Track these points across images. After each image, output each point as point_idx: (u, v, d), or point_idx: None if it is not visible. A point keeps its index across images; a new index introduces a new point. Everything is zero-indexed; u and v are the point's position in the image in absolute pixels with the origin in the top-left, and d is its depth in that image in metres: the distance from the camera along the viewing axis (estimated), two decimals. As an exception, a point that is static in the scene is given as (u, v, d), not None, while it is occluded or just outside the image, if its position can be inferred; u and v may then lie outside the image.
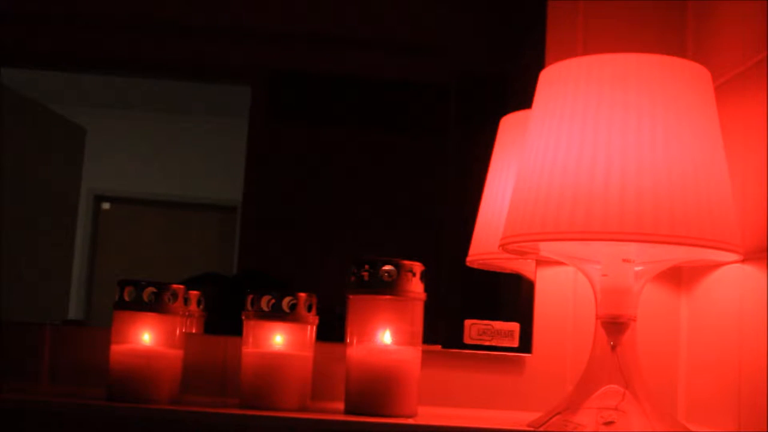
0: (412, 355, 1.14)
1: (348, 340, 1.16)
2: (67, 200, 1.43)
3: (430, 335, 1.20)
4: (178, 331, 1.19)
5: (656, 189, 1.02)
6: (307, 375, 1.18)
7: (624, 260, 1.12)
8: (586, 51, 1.37)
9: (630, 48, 1.27)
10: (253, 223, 1.42)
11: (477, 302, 1.37)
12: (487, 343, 1.32)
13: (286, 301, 1.17)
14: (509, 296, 1.39)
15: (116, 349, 1.16)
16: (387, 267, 1.14)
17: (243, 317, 1.18)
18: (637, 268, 1.13)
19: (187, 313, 1.23)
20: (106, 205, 1.45)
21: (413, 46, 1.45)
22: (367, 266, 1.14)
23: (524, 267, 1.36)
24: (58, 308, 1.42)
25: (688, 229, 1.02)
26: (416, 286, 1.15)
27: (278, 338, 1.17)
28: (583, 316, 1.34)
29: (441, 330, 1.32)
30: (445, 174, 1.42)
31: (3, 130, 1.39)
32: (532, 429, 1.11)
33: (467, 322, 1.31)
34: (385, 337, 1.14)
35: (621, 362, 1.11)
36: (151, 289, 1.17)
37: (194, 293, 1.32)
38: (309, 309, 1.18)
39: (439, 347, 1.32)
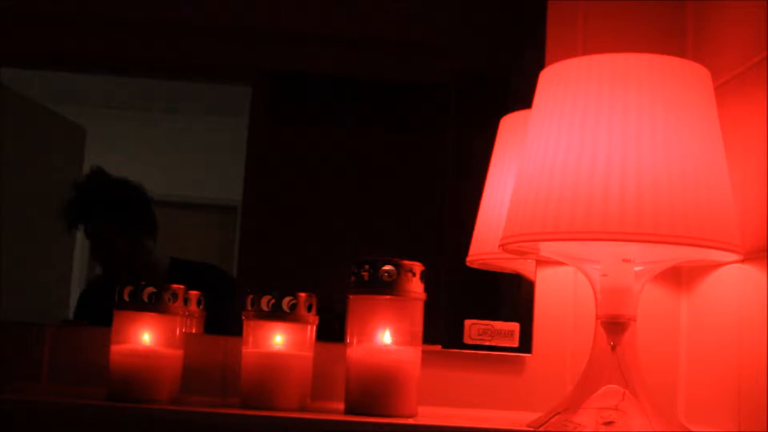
0: (412, 355, 1.14)
1: (348, 340, 1.16)
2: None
3: (430, 335, 1.20)
4: (178, 331, 1.19)
5: (656, 189, 1.02)
6: (307, 375, 1.18)
7: (624, 260, 1.12)
8: (586, 51, 1.37)
9: (630, 48, 1.27)
10: (253, 223, 1.42)
11: (477, 302, 1.37)
12: (487, 343, 1.31)
13: (286, 301, 1.17)
14: (509, 296, 1.39)
15: (116, 349, 1.16)
16: (387, 267, 1.14)
17: (243, 317, 1.19)
18: (637, 268, 1.13)
19: (187, 313, 1.23)
20: (106, 205, 1.45)
21: (413, 46, 1.45)
22: (367, 266, 1.14)
23: (524, 267, 1.36)
24: (58, 308, 1.42)
25: (688, 229, 1.02)
26: (416, 286, 1.15)
27: (278, 338, 1.17)
28: (583, 316, 1.34)
29: (441, 330, 1.32)
30: (445, 174, 1.42)
31: (3, 130, 1.39)
32: (532, 429, 1.11)
33: (467, 322, 1.31)
34: (385, 337, 1.14)
35: (621, 362, 1.11)
36: (150, 289, 1.17)
37: (194, 293, 1.32)
38: (309, 309, 1.18)
39: (439, 347, 1.32)
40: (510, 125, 1.34)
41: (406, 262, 1.14)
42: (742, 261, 1.16)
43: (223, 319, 1.33)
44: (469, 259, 1.33)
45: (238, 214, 1.43)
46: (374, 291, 1.14)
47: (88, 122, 1.44)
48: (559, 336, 1.35)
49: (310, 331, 1.19)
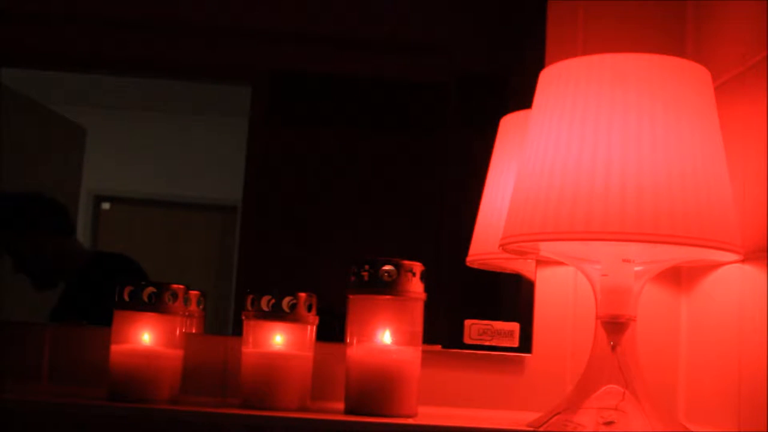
0: (412, 355, 1.14)
1: (348, 340, 1.16)
2: (67, 200, 1.43)
3: (430, 335, 1.20)
4: (178, 331, 1.19)
5: (656, 189, 1.02)
6: (307, 375, 1.18)
7: (624, 260, 1.12)
8: (586, 51, 1.37)
9: (630, 48, 1.27)
10: (253, 223, 1.42)
11: (477, 302, 1.37)
12: (487, 343, 1.32)
13: (286, 301, 1.17)
14: (509, 296, 1.39)
15: (116, 349, 1.16)
16: (387, 267, 1.14)
17: (243, 317, 1.18)
18: (637, 268, 1.13)
19: (187, 313, 1.23)
20: (106, 205, 1.45)
21: (413, 46, 1.45)
22: (367, 266, 1.14)
23: (524, 267, 1.36)
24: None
25: (688, 229, 1.02)
26: (416, 286, 1.15)
27: (278, 338, 1.17)
28: (583, 316, 1.34)
29: (441, 330, 1.32)
30: (445, 174, 1.42)
31: (3, 130, 1.39)
32: (532, 429, 1.11)
33: (467, 322, 1.31)
34: (385, 337, 1.14)
35: (621, 362, 1.11)
36: (150, 289, 1.17)
37: (194, 293, 1.32)
38: (309, 309, 1.18)
39: (439, 347, 1.32)
40: (510, 125, 1.34)
41: (406, 262, 1.14)
42: (742, 261, 1.16)
43: None
44: (469, 259, 1.33)
45: (238, 214, 1.43)
46: (374, 291, 1.14)
47: (88, 122, 1.44)
48: (559, 336, 1.35)
49: (310, 331, 1.19)
